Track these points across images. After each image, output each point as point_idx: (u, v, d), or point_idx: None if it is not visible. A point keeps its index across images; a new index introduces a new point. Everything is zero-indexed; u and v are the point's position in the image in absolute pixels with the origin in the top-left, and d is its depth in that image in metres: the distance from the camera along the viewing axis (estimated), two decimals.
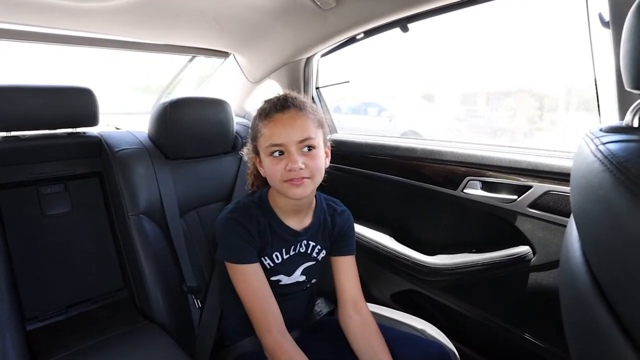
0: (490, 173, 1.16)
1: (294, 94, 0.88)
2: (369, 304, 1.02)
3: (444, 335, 1.01)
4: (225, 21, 1.37)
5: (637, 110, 0.53)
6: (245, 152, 0.95)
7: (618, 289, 0.40)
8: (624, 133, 0.50)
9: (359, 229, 1.47)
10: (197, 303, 1.14)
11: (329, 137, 0.92)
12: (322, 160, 0.87)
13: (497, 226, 1.18)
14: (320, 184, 0.92)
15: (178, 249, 1.14)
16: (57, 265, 1.20)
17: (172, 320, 1.07)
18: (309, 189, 0.84)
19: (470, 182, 1.20)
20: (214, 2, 1.22)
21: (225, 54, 1.75)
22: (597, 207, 0.44)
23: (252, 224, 0.88)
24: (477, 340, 1.30)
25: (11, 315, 0.85)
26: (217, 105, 1.29)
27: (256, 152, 0.90)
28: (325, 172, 0.93)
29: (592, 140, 0.50)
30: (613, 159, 0.42)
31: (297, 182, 0.82)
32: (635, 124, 0.53)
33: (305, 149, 0.83)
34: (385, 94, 6.26)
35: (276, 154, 0.83)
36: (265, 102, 0.88)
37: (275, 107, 0.84)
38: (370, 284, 1.51)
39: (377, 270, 1.47)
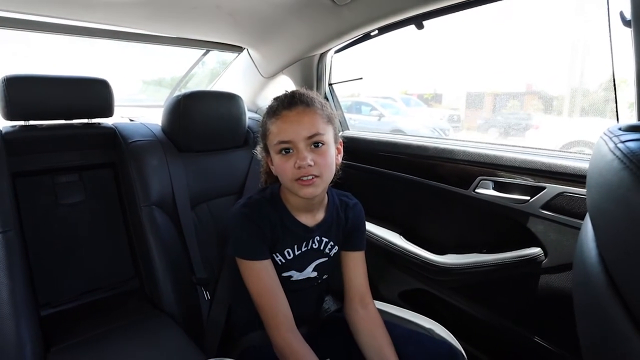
0: (503, 173, 1.15)
1: (302, 90, 0.87)
2: (377, 302, 1.02)
3: (452, 335, 1.00)
4: (240, 15, 1.38)
5: None
6: (258, 150, 0.95)
7: (635, 289, 0.40)
8: None
9: (369, 226, 1.46)
10: (207, 295, 1.15)
11: (340, 134, 0.92)
12: (332, 157, 0.85)
13: (508, 227, 1.17)
14: (335, 182, 0.91)
15: (188, 241, 1.15)
16: (71, 253, 1.22)
17: (181, 310, 1.08)
18: (319, 188, 0.83)
19: (482, 181, 1.18)
20: None
21: (239, 49, 1.76)
22: (615, 207, 0.43)
23: (263, 220, 0.88)
24: (485, 341, 1.29)
25: (26, 300, 0.87)
26: (230, 100, 1.29)
27: (267, 150, 0.89)
28: (339, 169, 0.92)
29: (610, 138, 0.49)
30: (633, 157, 0.42)
31: (308, 182, 0.80)
32: None
33: (314, 146, 0.82)
34: (384, 93, 6.35)
35: (285, 151, 0.82)
36: (274, 99, 0.87)
37: (283, 105, 0.83)
38: (379, 282, 1.50)
39: (386, 269, 1.46)
